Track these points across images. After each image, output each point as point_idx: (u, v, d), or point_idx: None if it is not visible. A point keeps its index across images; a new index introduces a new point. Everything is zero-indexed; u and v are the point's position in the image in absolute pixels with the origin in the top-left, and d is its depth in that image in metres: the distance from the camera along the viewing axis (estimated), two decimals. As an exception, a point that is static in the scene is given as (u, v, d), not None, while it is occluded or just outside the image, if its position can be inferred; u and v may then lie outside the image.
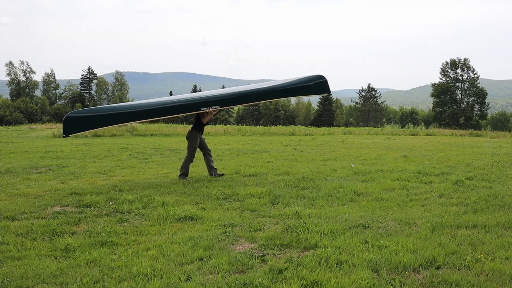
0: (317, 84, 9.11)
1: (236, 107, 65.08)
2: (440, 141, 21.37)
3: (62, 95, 76.76)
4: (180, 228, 4.94)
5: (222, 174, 8.69)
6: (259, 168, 9.81)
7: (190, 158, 8.42)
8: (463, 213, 5.43)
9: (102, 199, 6.31)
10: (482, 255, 3.88)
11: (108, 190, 7.12)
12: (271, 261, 3.81)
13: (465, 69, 64.80)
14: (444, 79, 65.74)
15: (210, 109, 8.12)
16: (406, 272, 3.58)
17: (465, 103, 65.17)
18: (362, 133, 31.53)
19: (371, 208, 5.81)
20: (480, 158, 11.95)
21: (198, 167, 9.86)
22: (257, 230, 4.81)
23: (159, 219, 5.29)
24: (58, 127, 33.49)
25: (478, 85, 64.82)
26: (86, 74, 74.97)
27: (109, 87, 79.55)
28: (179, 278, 3.47)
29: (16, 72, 72.61)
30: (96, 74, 76.10)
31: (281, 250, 4.17)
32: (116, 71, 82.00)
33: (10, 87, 72.87)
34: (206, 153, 8.62)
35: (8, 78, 72.93)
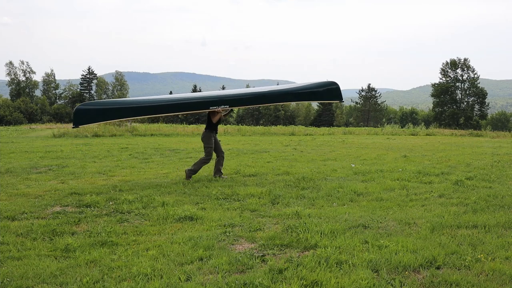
0: (330, 91, 9.12)
1: (236, 108, 65.05)
2: (440, 141, 21.37)
3: (62, 95, 76.83)
4: (180, 228, 4.94)
5: (225, 177, 8.64)
6: (259, 168, 9.81)
7: (205, 159, 8.33)
8: (463, 213, 5.43)
9: (102, 199, 6.31)
10: (482, 255, 3.88)
11: (108, 190, 7.12)
12: (271, 261, 3.81)
13: (465, 69, 64.84)
14: (444, 79, 65.79)
15: (219, 108, 8.12)
16: (406, 272, 3.58)
17: (465, 103, 65.20)
18: (362, 133, 31.52)
19: (371, 208, 5.81)
20: (480, 158, 11.95)
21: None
22: (257, 230, 4.81)
23: (159, 219, 5.29)
24: (58, 127, 33.53)
25: (478, 85, 64.85)
26: (86, 74, 75.00)
27: (109, 87, 79.64)
28: (179, 278, 3.47)
29: (16, 72, 72.76)
30: (96, 74, 76.13)
31: (281, 250, 4.16)
32: (116, 71, 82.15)
33: (10, 87, 72.93)
34: (219, 155, 8.55)
35: (8, 78, 73.00)
